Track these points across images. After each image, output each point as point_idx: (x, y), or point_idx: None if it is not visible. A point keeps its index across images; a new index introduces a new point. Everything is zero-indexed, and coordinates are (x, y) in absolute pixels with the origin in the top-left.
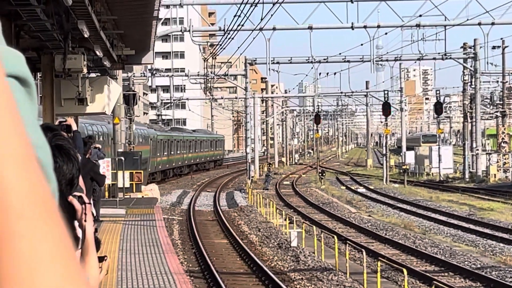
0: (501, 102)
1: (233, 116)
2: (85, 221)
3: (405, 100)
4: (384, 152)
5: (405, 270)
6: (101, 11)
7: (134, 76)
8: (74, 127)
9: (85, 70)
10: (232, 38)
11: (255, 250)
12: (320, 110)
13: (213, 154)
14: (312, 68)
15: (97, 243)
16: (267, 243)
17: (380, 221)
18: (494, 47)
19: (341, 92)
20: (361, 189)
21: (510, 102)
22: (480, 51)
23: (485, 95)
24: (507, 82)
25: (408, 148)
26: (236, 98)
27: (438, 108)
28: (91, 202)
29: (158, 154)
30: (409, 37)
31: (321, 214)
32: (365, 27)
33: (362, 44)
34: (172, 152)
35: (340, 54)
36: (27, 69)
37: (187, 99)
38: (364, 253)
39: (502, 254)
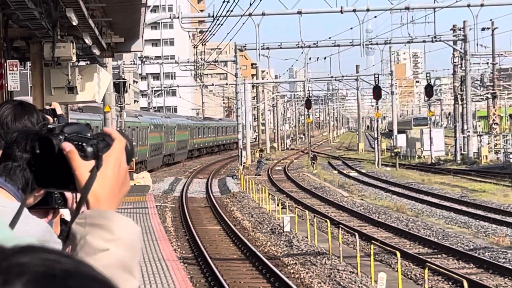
0: (492, 84)
1: (224, 103)
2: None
3: (396, 83)
4: (375, 135)
5: (398, 253)
6: None
7: (124, 64)
8: (59, 111)
9: (74, 59)
10: (222, 24)
11: (248, 236)
12: (310, 95)
13: (236, 137)
14: (302, 53)
15: None
16: (260, 229)
17: (372, 204)
18: (483, 29)
19: (332, 77)
20: (353, 173)
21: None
22: (469, 33)
23: (475, 77)
24: (497, 63)
25: (400, 131)
26: (226, 84)
27: (429, 91)
28: None
29: (194, 137)
30: (399, 20)
31: (314, 198)
32: (354, 11)
33: (351, 28)
34: (204, 136)
35: (330, 38)
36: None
37: (178, 86)
38: (357, 236)
39: (494, 235)
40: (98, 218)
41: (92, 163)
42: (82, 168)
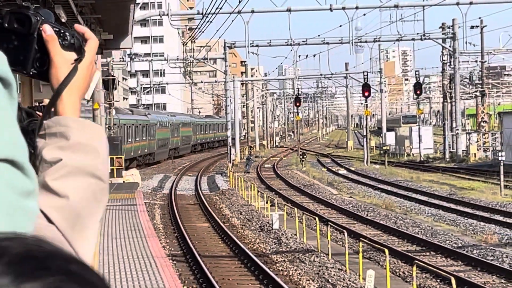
0: (480, 82)
1: (213, 100)
2: None
3: (385, 81)
4: (364, 133)
5: (386, 250)
6: None
7: (113, 61)
8: None
9: None
10: (211, 22)
11: (237, 233)
12: (300, 92)
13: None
14: (291, 50)
15: None
16: (249, 226)
17: (361, 202)
18: (472, 27)
19: (321, 74)
20: (342, 171)
21: (489, 82)
22: (458, 31)
23: (464, 75)
24: (485, 61)
25: (389, 129)
26: (216, 81)
27: (418, 88)
28: None
29: (197, 133)
30: (388, 18)
31: (303, 196)
32: (343, 8)
33: (341, 26)
34: (206, 132)
35: (319, 36)
36: (7, 69)
37: (167, 83)
38: (345, 234)
39: (482, 233)
40: (55, 127)
41: (69, 54)
42: (59, 56)
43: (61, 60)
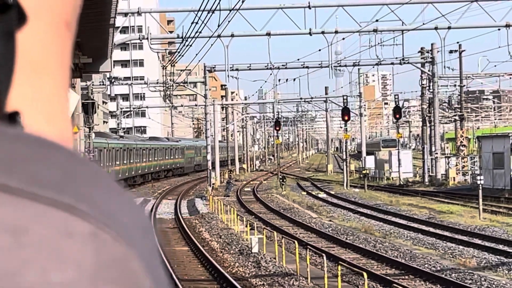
0: (459, 106)
1: (193, 124)
2: None
3: (364, 105)
4: (344, 157)
5: (365, 274)
6: None
7: (93, 85)
8: None
9: None
10: (191, 45)
11: (216, 257)
12: (280, 116)
13: (233, 155)
14: (271, 74)
15: None
16: (228, 250)
17: (340, 225)
18: (451, 51)
19: (301, 98)
20: (322, 195)
21: (468, 106)
22: (437, 56)
23: (443, 99)
24: (464, 86)
25: (368, 153)
26: (196, 105)
27: (397, 112)
28: None
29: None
30: (367, 42)
31: (282, 220)
32: (323, 32)
33: (320, 50)
34: (220, 153)
35: (298, 60)
36: None
37: (147, 107)
38: (324, 257)
39: (461, 256)
40: None
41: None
42: None
43: None
